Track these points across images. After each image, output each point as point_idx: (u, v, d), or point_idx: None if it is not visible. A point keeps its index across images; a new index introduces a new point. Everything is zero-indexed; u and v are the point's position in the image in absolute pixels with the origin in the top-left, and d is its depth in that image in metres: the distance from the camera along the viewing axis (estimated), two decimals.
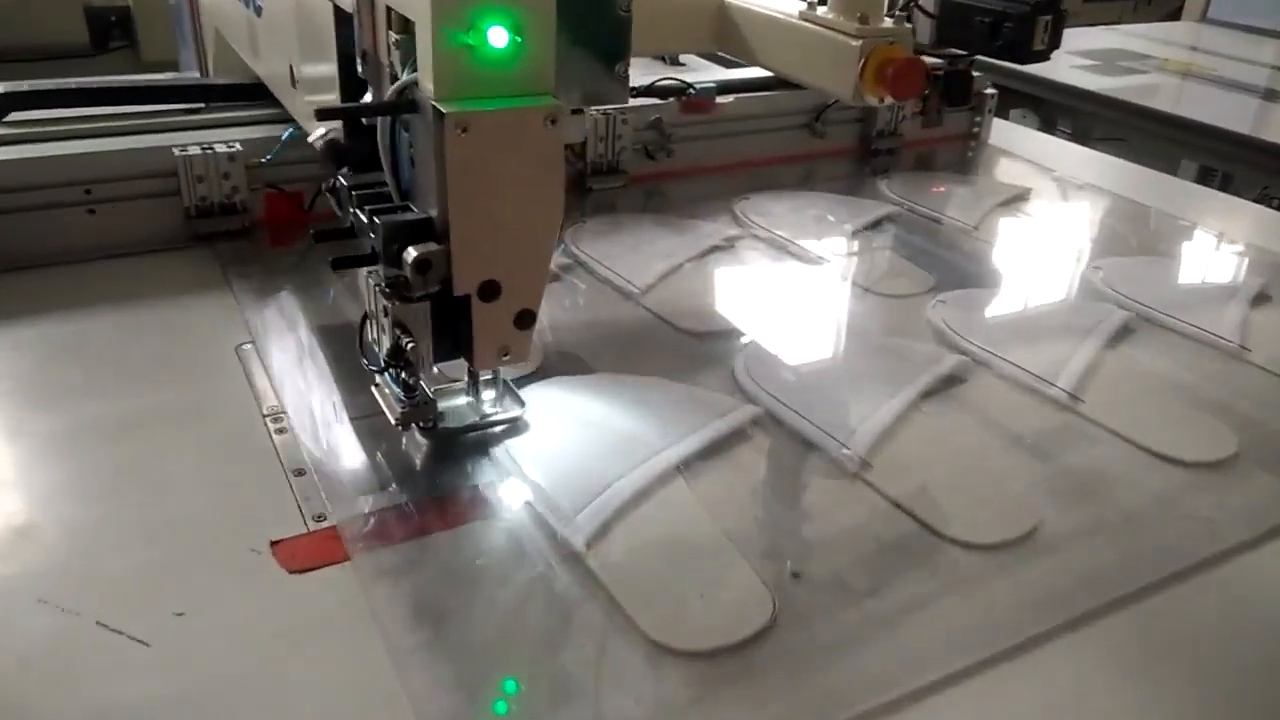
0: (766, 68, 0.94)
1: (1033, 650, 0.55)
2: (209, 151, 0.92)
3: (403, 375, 0.65)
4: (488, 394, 0.71)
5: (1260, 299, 0.97)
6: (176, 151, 0.92)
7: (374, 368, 0.67)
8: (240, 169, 0.94)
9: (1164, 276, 1.06)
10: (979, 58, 0.98)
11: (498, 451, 0.68)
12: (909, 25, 0.80)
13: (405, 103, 0.58)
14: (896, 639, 0.56)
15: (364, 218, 0.61)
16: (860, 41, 0.76)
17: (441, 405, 0.69)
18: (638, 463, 0.67)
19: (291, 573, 0.58)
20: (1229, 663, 0.56)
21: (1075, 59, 2.04)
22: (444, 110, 0.54)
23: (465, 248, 0.58)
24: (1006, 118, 1.87)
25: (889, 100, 0.78)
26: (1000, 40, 0.85)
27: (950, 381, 0.80)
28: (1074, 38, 2.28)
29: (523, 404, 0.71)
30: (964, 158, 1.38)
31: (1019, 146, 1.41)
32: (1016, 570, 0.61)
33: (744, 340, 0.85)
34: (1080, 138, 1.82)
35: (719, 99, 1.19)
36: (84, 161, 0.90)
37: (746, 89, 1.23)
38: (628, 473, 0.66)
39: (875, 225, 1.12)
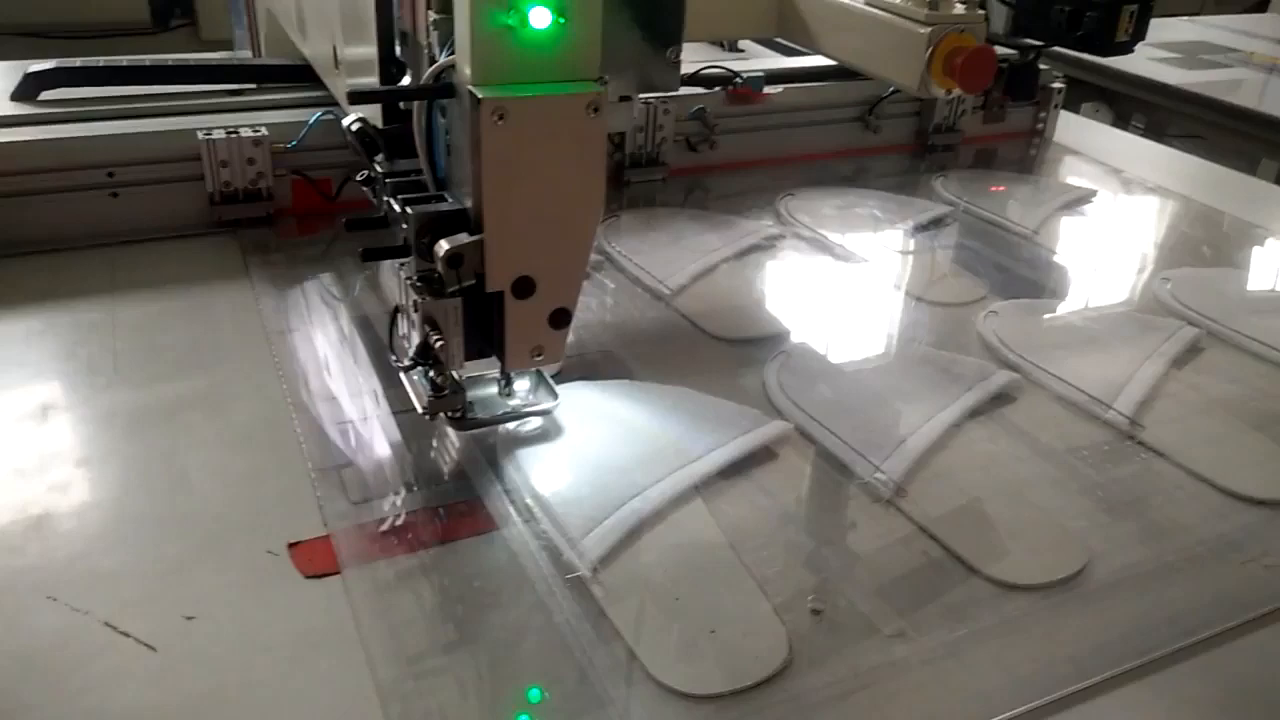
0: (830, 56, 0.91)
1: (1065, 710, 0.51)
2: (234, 135, 0.91)
3: (430, 374, 0.63)
4: (521, 384, 0.69)
5: None
6: (200, 135, 0.91)
7: (401, 364, 0.66)
8: (265, 154, 0.93)
9: (1238, 289, 1.01)
10: (1052, 49, 0.93)
11: (516, 458, 0.66)
12: (982, 12, 0.76)
13: (442, 87, 0.56)
14: (919, 689, 0.52)
15: (396, 207, 0.60)
16: (929, 29, 0.73)
17: (472, 394, 0.68)
18: (655, 480, 0.64)
19: (308, 578, 0.56)
20: None
21: (1153, 50, 1.95)
22: (480, 95, 0.52)
23: (500, 242, 0.57)
24: (1078, 111, 1.79)
25: (957, 92, 0.74)
26: (1081, 30, 0.81)
27: (999, 400, 0.77)
28: (1152, 28, 2.16)
29: (556, 396, 0.69)
30: (1026, 155, 1.33)
31: (1087, 143, 1.36)
32: (1059, 616, 0.57)
33: (779, 349, 0.83)
34: (1155, 134, 1.73)
35: (767, 89, 1.15)
36: (106, 144, 0.89)
37: (797, 79, 1.19)
38: (643, 490, 0.63)
39: (926, 227, 1.08)
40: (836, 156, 1.23)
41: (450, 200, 0.59)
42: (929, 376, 0.81)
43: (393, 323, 0.66)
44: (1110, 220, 1.15)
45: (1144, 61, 1.84)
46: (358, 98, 0.63)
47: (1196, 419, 0.76)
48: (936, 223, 1.08)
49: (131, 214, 0.91)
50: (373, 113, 0.65)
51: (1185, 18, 2.33)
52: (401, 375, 0.68)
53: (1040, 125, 1.34)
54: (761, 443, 0.69)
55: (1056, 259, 1.05)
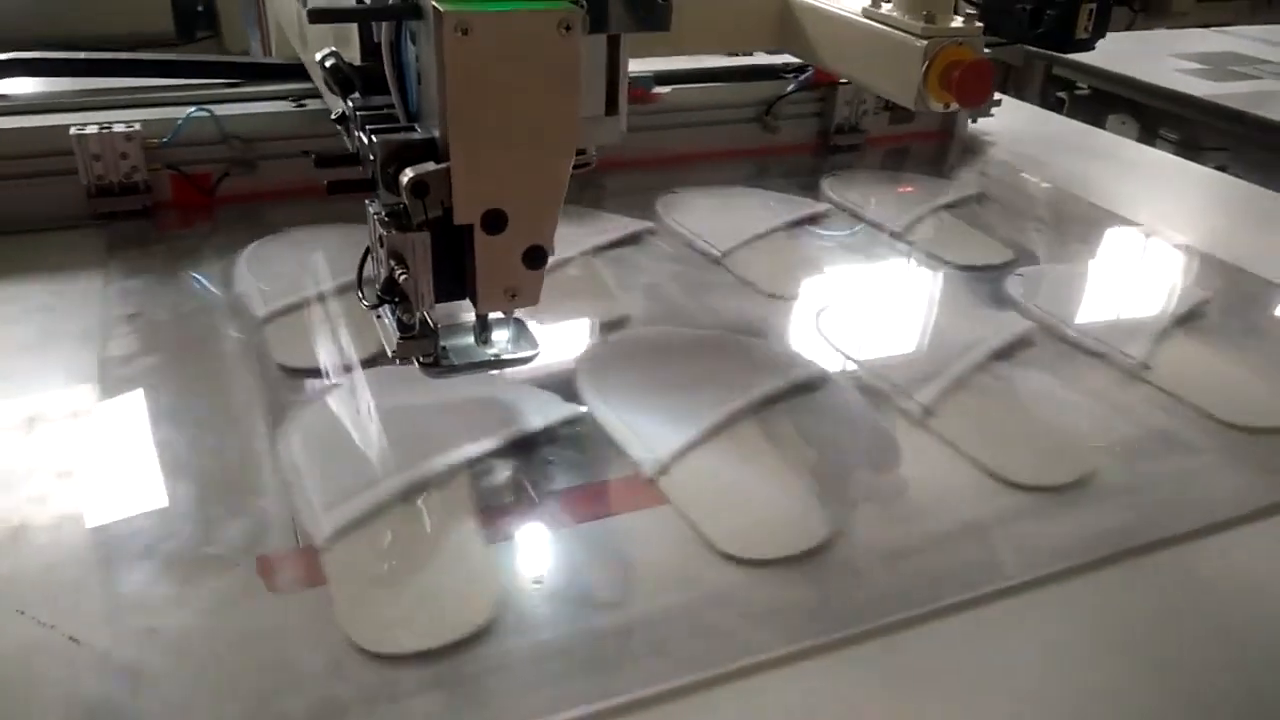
0: (831, 71, 0.92)
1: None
2: (105, 131, 0.92)
3: (398, 313, 0.60)
4: (500, 333, 0.66)
5: None
6: (73, 130, 0.91)
7: (367, 303, 0.63)
8: (138, 148, 0.93)
9: (1088, 285, 1.02)
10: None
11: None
12: (981, 25, 0.75)
13: (408, 6, 0.53)
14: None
15: (364, 139, 0.57)
16: (925, 42, 0.72)
17: (448, 343, 0.64)
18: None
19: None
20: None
21: (1181, 62, 1.90)
22: (442, 9, 0.49)
23: (466, 170, 0.53)
24: (1103, 125, 1.75)
25: (954, 106, 0.73)
26: (1041, 28, 0.83)
27: (808, 388, 0.76)
28: (1182, 40, 2.13)
29: (536, 345, 0.65)
30: (937, 156, 1.30)
31: (1015, 142, 1.31)
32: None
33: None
34: (1187, 148, 1.68)
35: (658, 89, 1.14)
36: None
37: (691, 79, 1.19)
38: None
39: (799, 224, 1.06)
40: (735, 156, 1.22)
41: (420, 131, 0.57)
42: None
43: (362, 263, 0.63)
44: (994, 219, 1.14)
45: (1171, 73, 1.81)
46: (318, 16, 0.60)
47: (992, 411, 0.76)
48: (812, 220, 1.07)
49: (11, 206, 0.92)
50: (352, 53, 0.63)
51: (1216, 29, 2.28)
52: (375, 320, 0.65)
53: (951, 126, 1.32)
54: None
55: (917, 257, 1.03)
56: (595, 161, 0.62)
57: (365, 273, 0.62)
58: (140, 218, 0.95)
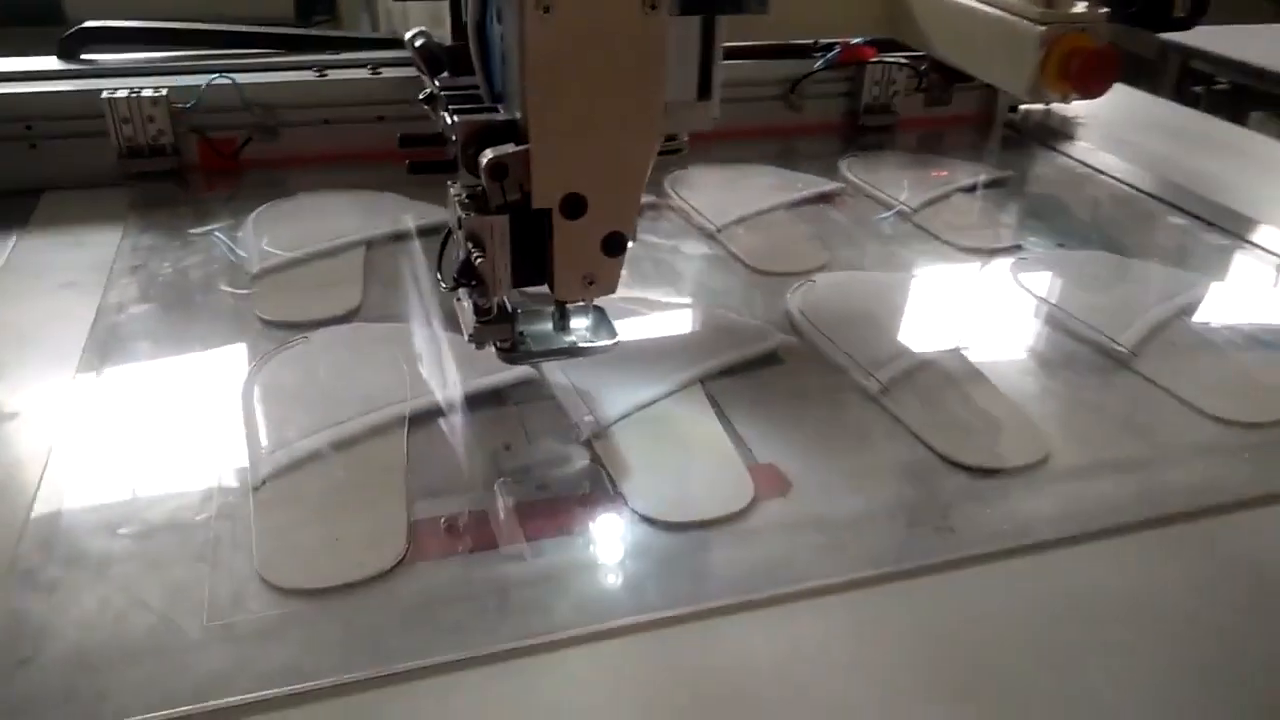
0: (944, 60, 0.87)
1: None
2: (134, 95, 0.96)
3: (474, 297, 0.60)
4: (579, 320, 0.65)
5: None
6: (104, 94, 0.96)
7: (445, 285, 0.62)
8: (164, 112, 0.97)
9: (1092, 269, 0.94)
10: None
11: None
12: (1105, 10, 0.71)
13: None
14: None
15: (447, 119, 0.57)
16: (1043, 28, 0.66)
17: (526, 328, 0.64)
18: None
19: None
20: None
21: None
22: None
23: (545, 152, 0.52)
24: (1244, 123, 1.60)
25: (1074, 98, 0.67)
26: (1135, 6, 0.80)
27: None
28: None
29: (615, 334, 0.64)
30: (978, 143, 1.24)
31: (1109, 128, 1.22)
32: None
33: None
34: None
35: None
36: (25, 100, 0.97)
37: None
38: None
39: (808, 201, 1.02)
40: (759, 135, 1.19)
41: (502, 113, 0.56)
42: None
43: (444, 246, 0.63)
44: (1021, 203, 1.09)
45: None
46: None
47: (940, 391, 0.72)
48: (824, 199, 1.03)
49: (51, 166, 0.97)
50: (442, 33, 0.63)
51: None
52: (455, 304, 0.65)
53: (991, 110, 1.25)
54: None
55: (928, 237, 0.97)
56: (686, 148, 0.60)
57: (446, 256, 0.62)
58: (168, 179, 1.00)
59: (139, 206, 0.96)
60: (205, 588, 0.52)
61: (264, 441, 0.63)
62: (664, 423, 0.68)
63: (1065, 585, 0.55)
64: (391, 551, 0.54)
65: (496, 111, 0.56)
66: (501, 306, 0.60)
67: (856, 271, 0.91)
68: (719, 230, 0.96)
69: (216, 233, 0.92)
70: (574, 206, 0.54)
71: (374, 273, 0.85)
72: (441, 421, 0.66)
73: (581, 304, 0.63)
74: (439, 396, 0.68)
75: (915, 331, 0.81)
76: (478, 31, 0.56)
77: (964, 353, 0.76)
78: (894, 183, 1.08)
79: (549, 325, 0.64)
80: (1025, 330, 0.83)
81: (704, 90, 0.56)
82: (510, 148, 0.52)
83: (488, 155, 0.52)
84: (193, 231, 0.92)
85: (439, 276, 0.63)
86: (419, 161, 0.59)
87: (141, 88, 0.98)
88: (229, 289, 0.82)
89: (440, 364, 0.72)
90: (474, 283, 0.57)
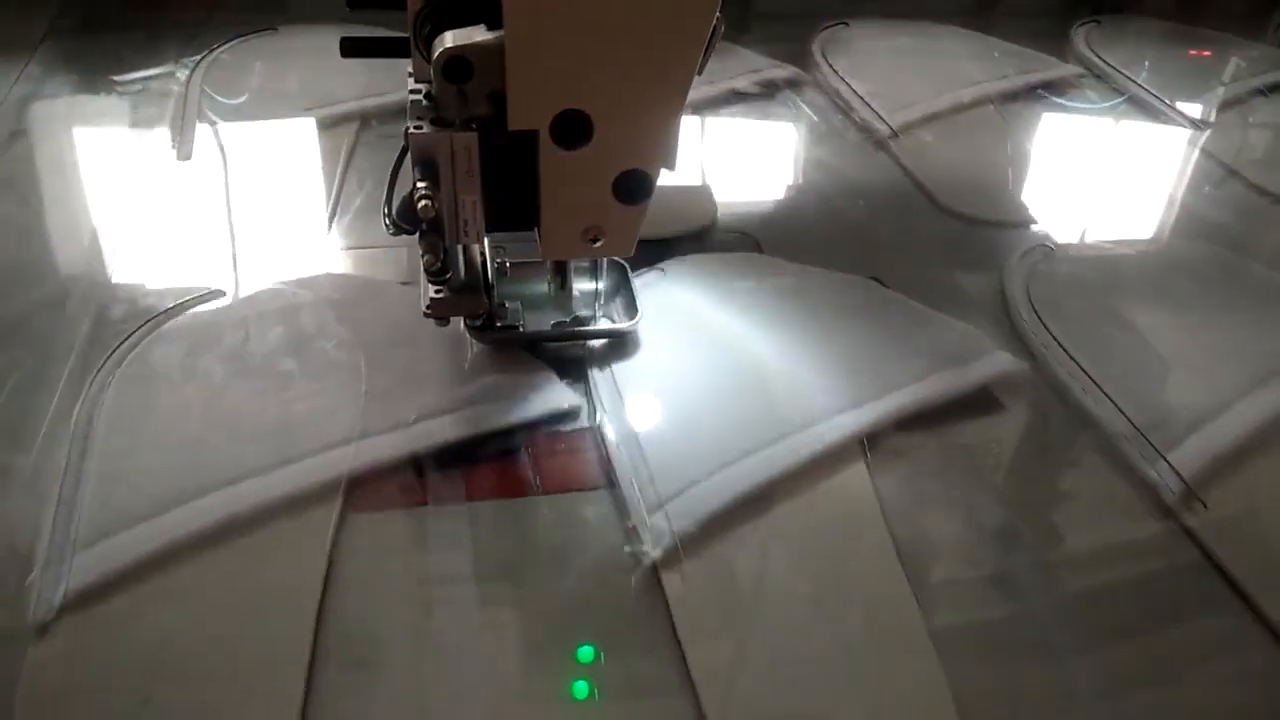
0: None
1: None
2: None
3: (422, 249, 0.42)
4: (584, 285, 0.48)
5: None
6: None
7: (389, 226, 0.45)
8: None
9: None
10: None
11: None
12: None
13: None
14: None
15: None
16: None
17: (516, 291, 0.48)
18: (779, 434, 0.42)
19: None
20: None
21: None
22: None
23: (528, 44, 0.34)
24: None
25: None
26: None
27: None
28: None
29: (638, 310, 0.48)
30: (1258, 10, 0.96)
31: None
32: None
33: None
34: None
35: None
36: None
37: None
38: (761, 448, 0.41)
39: (1021, 94, 0.71)
40: None
41: None
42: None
43: (395, 170, 0.45)
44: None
45: None
46: None
47: None
48: (1049, 87, 0.73)
49: None
50: None
51: None
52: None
53: None
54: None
55: (1214, 167, 0.66)
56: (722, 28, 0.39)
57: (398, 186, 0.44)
58: None
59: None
60: None
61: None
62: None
63: None
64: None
65: None
66: (473, 265, 0.43)
67: (1122, 239, 0.57)
68: (896, 133, 0.68)
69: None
70: (572, 130, 0.37)
71: None
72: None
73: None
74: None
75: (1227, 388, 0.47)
76: None
77: None
78: (1155, 67, 0.79)
79: (543, 288, 0.47)
80: None
81: None
82: (481, 33, 0.34)
83: (445, 42, 0.34)
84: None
85: (384, 215, 0.44)
86: (354, 38, 0.41)
87: None
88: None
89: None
90: (422, 228, 0.40)
